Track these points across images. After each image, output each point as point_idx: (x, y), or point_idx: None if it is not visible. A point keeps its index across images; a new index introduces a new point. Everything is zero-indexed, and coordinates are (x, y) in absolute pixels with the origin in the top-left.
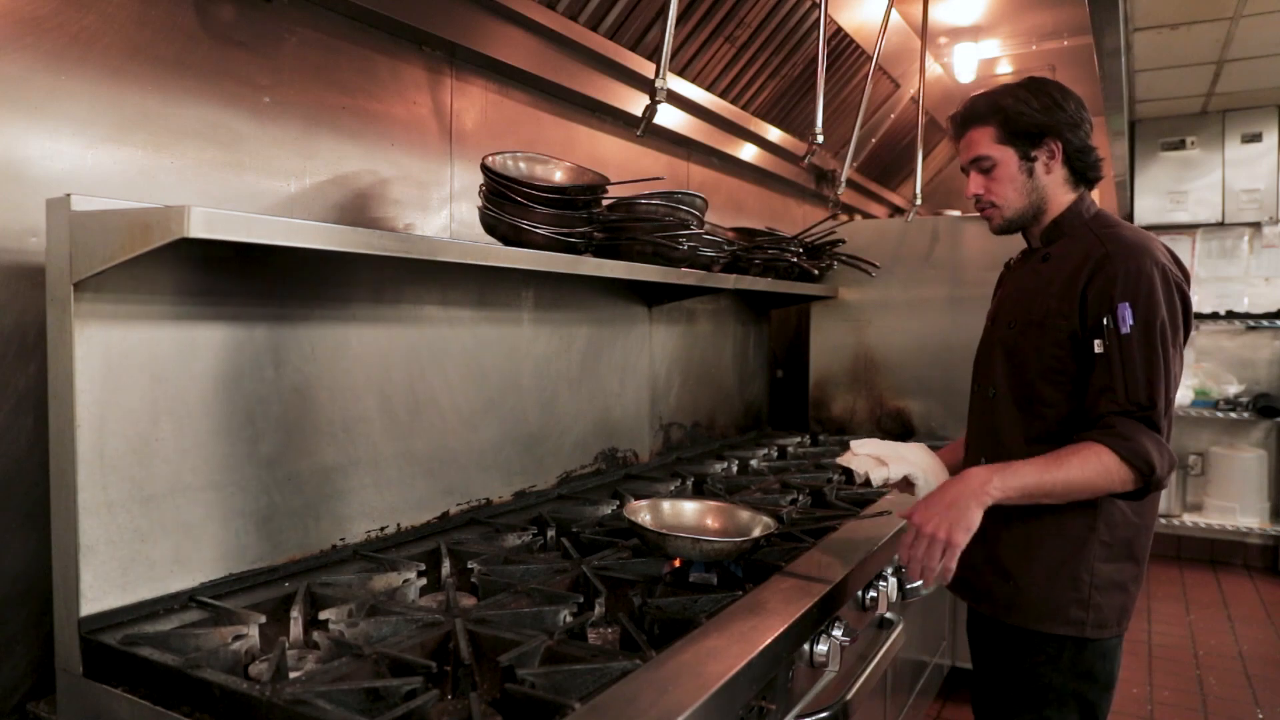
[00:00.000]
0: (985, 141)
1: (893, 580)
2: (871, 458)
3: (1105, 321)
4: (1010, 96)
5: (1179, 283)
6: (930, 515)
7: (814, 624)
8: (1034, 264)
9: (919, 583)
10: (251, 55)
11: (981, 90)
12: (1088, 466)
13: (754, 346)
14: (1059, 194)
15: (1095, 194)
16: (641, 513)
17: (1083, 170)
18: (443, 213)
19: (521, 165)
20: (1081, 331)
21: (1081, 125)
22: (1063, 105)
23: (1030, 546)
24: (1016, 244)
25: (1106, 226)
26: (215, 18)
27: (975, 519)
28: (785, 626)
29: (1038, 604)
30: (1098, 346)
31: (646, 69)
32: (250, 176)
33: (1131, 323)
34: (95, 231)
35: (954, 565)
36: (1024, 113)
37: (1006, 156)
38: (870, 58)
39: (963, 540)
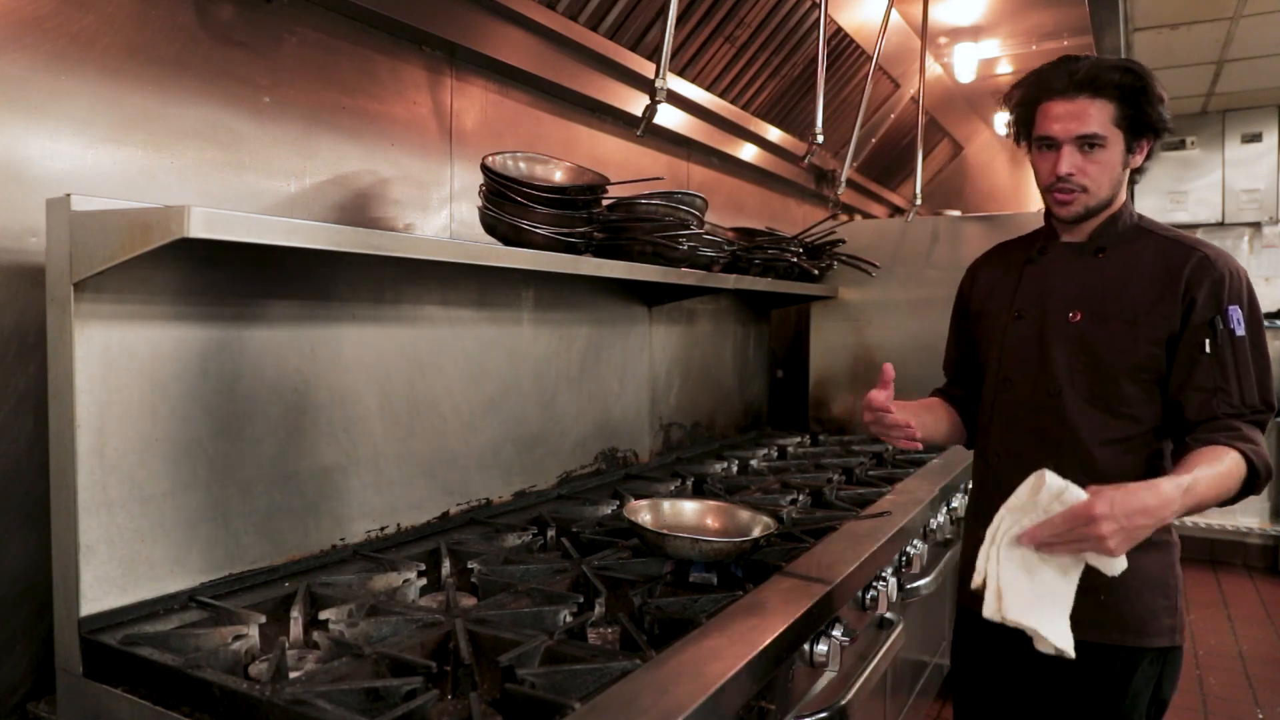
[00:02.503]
0: (1102, 119)
1: (892, 580)
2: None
3: (1216, 322)
4: (1150, 80)
5: None
6: (1114, 517)
7: (814, 624)
8: (1084, 259)
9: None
10: (251, 55)
11: (1100, 56)
12: (1234, 475)
13: (754, 346)
14: (1122, 192)
15: None
16: (641, 513)
17: (1137, 174)
18: (443, 213)
19: (521, 165)
20: (1180, 332)
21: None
22: (1166, 108)
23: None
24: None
25: (1166, 229)
26: (215, 18)
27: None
28: (785, 626)
29: (1129, 617)
30: (1206, 347)
31: (646, 69)
32: (250, 176)
33: (1244, 326)
34: (95, 231)
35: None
36: (1155, 105)
37: (1116, 142)
38: (870, 58)
39: (1122, 559)
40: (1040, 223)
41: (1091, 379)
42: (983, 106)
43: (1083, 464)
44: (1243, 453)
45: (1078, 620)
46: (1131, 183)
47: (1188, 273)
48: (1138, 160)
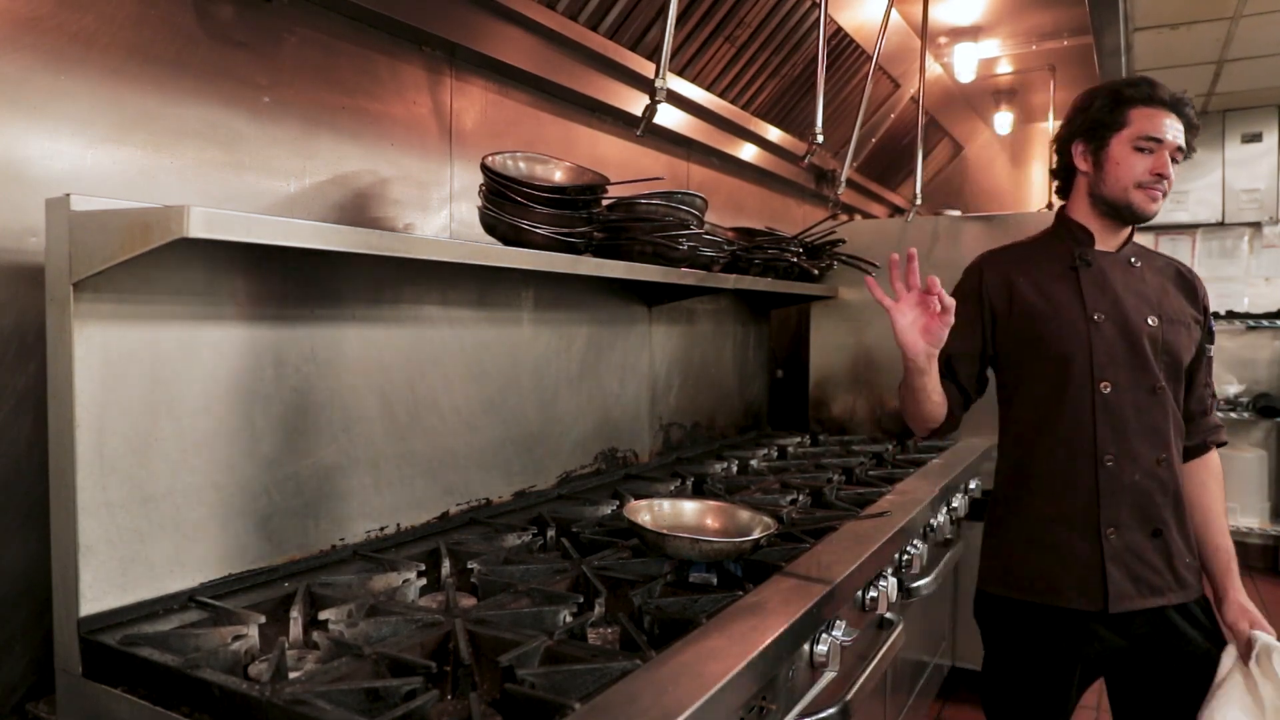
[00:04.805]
0: (1184, 138)
1: (893, 580)
2: None
3: (1210, 330)
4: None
5: None
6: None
7: (814, 624)
8: (1128, 269)
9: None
10: (251, 55)
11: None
12: (1220, 480)
13: (754, 346)
14: None
15: None
16: (641, 513)
17: None
18: (443, 213)
19: (521, 165)
20: (1200, 335)
21: None
22: None
23: (1184, 524)
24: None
25: (1144, 246)
26: (214, 18)
27: None
28: (785, 626)
29: (1197, 571)
30: (1209, 351)
31: (646, 69)
32: (250, 176)
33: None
34: (95, 231)
35: None
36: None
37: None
38: (870, 57)
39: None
40: (1042, 223)
41: (1169, 375)
42: (983, 106)
43: (1172, 454)
44: (1216, 443)
45: (1190, 584)
46: None
47: (1194, 287)
48: None
